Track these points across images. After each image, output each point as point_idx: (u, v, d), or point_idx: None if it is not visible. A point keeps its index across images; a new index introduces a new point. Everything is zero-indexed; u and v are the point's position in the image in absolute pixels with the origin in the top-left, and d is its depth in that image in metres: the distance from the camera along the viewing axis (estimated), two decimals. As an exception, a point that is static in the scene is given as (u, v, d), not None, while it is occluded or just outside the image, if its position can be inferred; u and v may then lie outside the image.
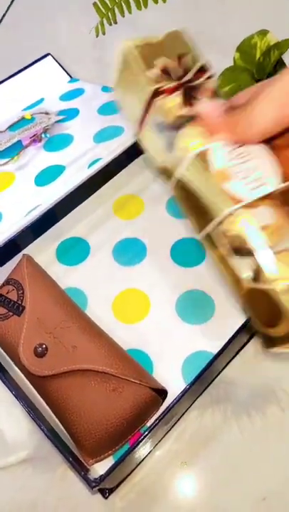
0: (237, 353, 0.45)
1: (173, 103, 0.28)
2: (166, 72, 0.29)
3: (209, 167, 0.27)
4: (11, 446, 0.42)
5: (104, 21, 0.53)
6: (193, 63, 0.29)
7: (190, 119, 0.28)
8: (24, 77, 0.68)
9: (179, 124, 0.28)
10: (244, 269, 0.29)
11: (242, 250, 0.29)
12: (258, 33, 0.53)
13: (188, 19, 0.81)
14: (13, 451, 0.42)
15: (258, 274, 0.28)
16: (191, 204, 0.29)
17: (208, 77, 0.31)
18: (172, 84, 0.29)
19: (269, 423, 0.42)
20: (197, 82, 0.29)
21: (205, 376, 0.39)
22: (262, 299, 0.28)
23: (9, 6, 0.73)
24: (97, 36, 0.55)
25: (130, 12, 0.53)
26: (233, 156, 0.27)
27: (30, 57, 0.69)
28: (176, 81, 0.29)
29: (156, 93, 0.29)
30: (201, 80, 0.30)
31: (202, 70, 0.31)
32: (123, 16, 0.53)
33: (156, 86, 0.28)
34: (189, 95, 0.28)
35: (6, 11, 0.83)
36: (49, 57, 0.70)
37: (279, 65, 0.50)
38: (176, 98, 0.28)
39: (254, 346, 0.46)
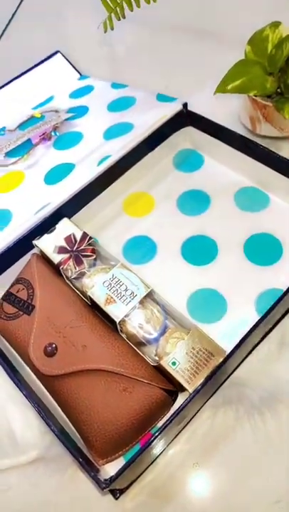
0: (249, 353, 0.44)
1: (70, 266, 0.45)
2: (62, 250, 0.46)
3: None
4: (21, 446, 0.42)
5: (113, 16, 0.52)
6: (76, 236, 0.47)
7: (81, 274, 0.45)
8: (34, 76, 0.68)
9: (76, 276, 0.45)
10: (149, 353, 0.41)
11: (140, 342, 0.41)
12: (270, 25, 0.52)
13: (198, 13, 0.80)
14: (24, 451, 0.42)
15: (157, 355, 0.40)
16: (100, 312, 0.43)
17: (89, 240, 0.46)
18: (67, 256, 0.46)
19: (282, 424, 0.41)
20: (81, 247, 0.46)
21: (217, 376, 0.38)
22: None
23: (19, 4, 0.73)
24: (105, 31, 0.54)
25: (138, 6, 0.52)
26: (112, 284, 0.42)
27: (40, 55, 0.69)
28: (70, 252, 0.46)
29: (59, 264, 0.46)
30: (84, 245, 0.46)
31: (84, 237, 0.47)
32: (131, 10, 0.53)
33: (58, 261, 0.46)
34: (78, 259, 0.46)
35: (16, 10, 0.82)
36: (58, 54, 0.69)
37: (292, 57, 0.49)
38: (70, 263, 0.45)
39: (266, 347, 0.45)
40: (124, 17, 0.53)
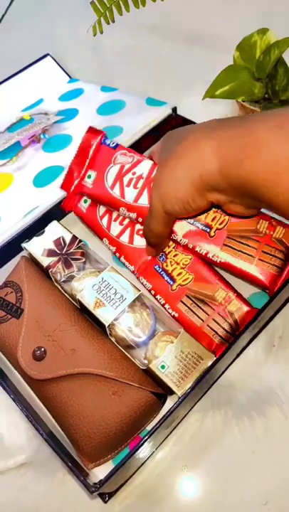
0: (237, 356, 0.45)
1: (59, 269, 0.45)
2: (51, 253, 0.46)
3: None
4: (9, 450, 0.42)
5: (102, 20, 0.52)
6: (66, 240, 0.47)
7: (71, 277, 0.45)
8: (23, 78, 0.67)
9: (66, 280, 0.45)
10: (138, 357, 0.41)
11: (129, 345, 0.41)
12: (258, 31, 0.52)
13: (187, 17, 0.81)
14: (11, 455, 0.42)
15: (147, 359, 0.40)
16: (89, 315, 0.43)
17: (78, 243, 0.46)
18: (56, 259, 0.46)
19: (270, 426, 0.41)
20: (70, 250, 0.46)
21: (206, 379, 0.38)
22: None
23: (8, 6, 0.73)
24: (94, 35, 0.54)
25: (128, 10, 0.52)
26: (101, 288, 0.42)
27: (30, 57, 0.69)
28: (59, 255, 0.46)
29: (48, 267, 0.45)
30: (73, 248, 0.46)
31: (73, 240, 0.46)
32: (121, 15, 0.53)
33: (47, 264, 0.46)
34: (67, 262, 0.46)
35: (5, 12, 0.82)
36: (48, 57, 0.69)
37: (279, 63, 0.50)
38: (59, 266, 0.45)
39: (255, 349, 0.45)
40: (113, 21, 0.53)
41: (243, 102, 0.54)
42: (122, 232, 0.48)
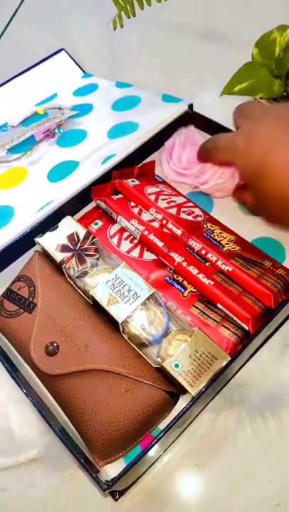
0: (251, 356, 0.44)
1: (72, 265, 0.45)
2: (65, 249, 0.46)
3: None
4: (20, 445, 0.42)
5: (123, 14, 0.52)
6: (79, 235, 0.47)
7: (84, 273, 0.45)
8: (38, 72, 0.67)
9: (79, 275, 0.45)
10: (151, 355, 0.40)
11: (142, 343, 0.41)
12: (278, 28, 0.51)
13: (205, 13, 0.80)
14: (22, 450, 0.42)
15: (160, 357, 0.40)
16: (102, 311, 0.43)
17: (92, 240, 0.46)
18: (69, 254, 0.45)
19: (284, 426, 0.41)
20: (84, 246, 0.46)
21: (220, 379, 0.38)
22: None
23: (22, 0, 0.72)
24: (114, 29, 0.54)
25: (149, 4, 0.52)
26: (115, 284, 0.42)
27: (44, 52, 0.68)
28: (72, 251, 0.46)
29: (62, 262, 0.45)
30: (87, 244, 0.46)
31: (87, 236, 0.46)
32: (142, 9, 0.52)
33: (60, 259, 0.45)
34: (81, 258, 0.45)
35: (19, 6, 0.82)
36: (63, 52, 0.69)
37: (299, 61, 0.49)
38: (72, 262, 0.45)
39: (269, 349, 0.45)
40: (134, 15, 0.53)
41: (261, 99, 0.53)
42: (131, 249, 0.48)
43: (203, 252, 0.46)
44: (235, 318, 0.41)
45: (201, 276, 0.44)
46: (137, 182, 0.52)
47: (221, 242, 0.47)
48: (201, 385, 0.37)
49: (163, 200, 0.51)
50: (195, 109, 0.57)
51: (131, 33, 0.75)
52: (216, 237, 0.47)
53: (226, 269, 0.44)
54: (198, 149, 0.49)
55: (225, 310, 0.42)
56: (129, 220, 0.49)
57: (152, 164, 0.56)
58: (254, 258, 0.45)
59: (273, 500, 0.38)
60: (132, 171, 0.54)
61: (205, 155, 0.48)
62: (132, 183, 0.52)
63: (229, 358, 0.38)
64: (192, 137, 0.55)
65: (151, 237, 0.47)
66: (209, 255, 0.45)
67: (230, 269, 0.44)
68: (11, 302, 0.45)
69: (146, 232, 0.48)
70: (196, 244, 0.46)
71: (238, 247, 0.46)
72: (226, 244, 0.47)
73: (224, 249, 0.46)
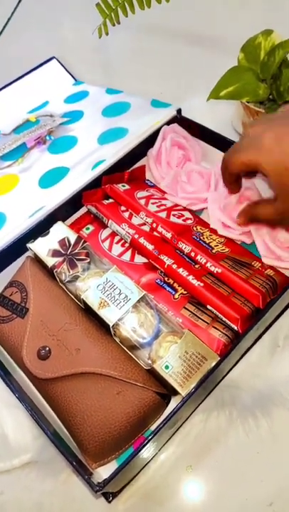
0: (242, 356, 0.45)
1: (63, 269, 0.45)
2: (56, 254, 0.46)
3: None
4: (14, 449, 0.42)
5: (108, 22, 0.53)
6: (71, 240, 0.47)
7: (75, 277, 0.45)
8: (29, 80, 0.68)
9: (70, 280, 0.45)
10: (142, 357, 0.41)
11: (133, 345, 0.41)
12: (263, 32, 0.52)
13: (192, 19, 0.81)
14: (16, 454, 0.42)
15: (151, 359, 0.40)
16: (93, 315, 0.43)
17: (83, 244, 0.47)
18: (60, 259, 0.46)
19: (275, 426, 0.41)
20: (75, 251, 0.46)
21: (210, 379, 0.38)
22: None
23: (14, 9, 0.74)
24: (100, 37, 0.54)
25: (133, 12, 0.53)
26: (106, 288, 0.43)
27: (35, 60, 0.69)
28: (64, 256, 0.46)
29: (53, 267, 0.45)
30: (78, 248, 0.46)
31: (77, 241, 0.47)
32: (126, 16, 0.53)
33: (52, 264, 0.46)
34: (72, 262, 0.46)
35: (11, 15, 0.83)
36: (54, 60, 0.70)
37: (284, 64, 0.50)
38: (64, 266, 0.45)
39: (259, 349, 0.45)
40: (118, 22, 0.54)
41: (248, 103, 0.54)
42: (122, 253, 0.49)
43: (192, 254, 0.46)
44: (224, 318, 0.42)
45: (190, 278, 0.44)
46: (127, 186, 0.53)
47: (211, 244, 0.47)
48: (191, 386, 0.38)
49: (153, 203, 0.51)
50: (184, 113, 0.58)
51: (120, 40, 0.76)
52: (206, 240, 0.48)
53: (215, 271, 0.45)
54: (222, 162, 0.45)
55: (214, 311, 0.43)
56: (120, 225, 0.49)
57: (142, 169, 0.57)
58: (243, 259, 0.46)
59: (266, 499, 0.38)
60: (123, 176, 0.55)
61: (227, 161, 0.44)
62: (122, 187, 0.52)
63: (218, 358, 0.39)
64: (177, 139, 0.56)
65: (142, 240, 0.48)
66: (199, 257, 0.46)
67: (220, 270, 0.44)
68: (4, 308, 0.45)
69: (136, 236, 0.48)
70: (185, 247, 0.47)
71: (227, 249, 0.47)
72: (215, 246, 0.47)
73: (213, 251, 0.46)
